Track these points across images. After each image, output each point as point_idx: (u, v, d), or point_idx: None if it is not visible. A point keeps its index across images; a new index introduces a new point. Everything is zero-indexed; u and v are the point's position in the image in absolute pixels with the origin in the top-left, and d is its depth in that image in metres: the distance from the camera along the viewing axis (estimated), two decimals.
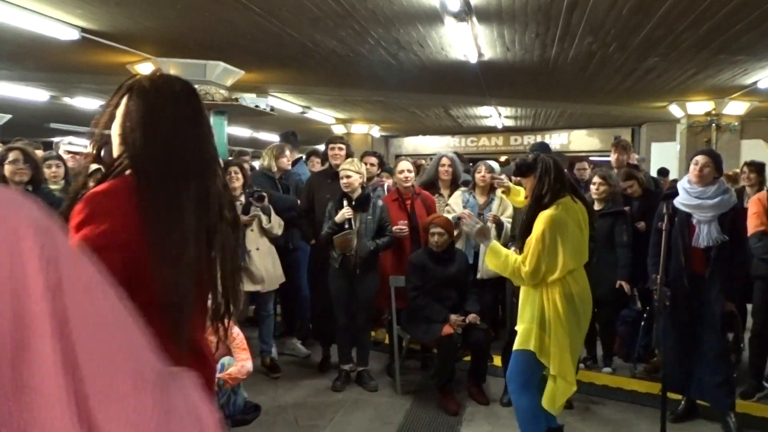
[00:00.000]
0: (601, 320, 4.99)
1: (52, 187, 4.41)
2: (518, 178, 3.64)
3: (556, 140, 15.60)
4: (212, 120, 7.09)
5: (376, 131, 15.88)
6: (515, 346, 3.18)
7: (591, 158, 9.03)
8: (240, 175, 4.70)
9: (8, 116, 12.50)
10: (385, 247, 4.58)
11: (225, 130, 7.42)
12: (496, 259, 3.17)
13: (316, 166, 6.76)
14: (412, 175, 4.95)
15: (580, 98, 10.36)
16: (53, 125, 15.24)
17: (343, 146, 5.13)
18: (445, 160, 5.38)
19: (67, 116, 13.59)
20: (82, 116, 13.36)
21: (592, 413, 4.22)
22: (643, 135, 13.82)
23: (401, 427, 3.97)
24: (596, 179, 4.89)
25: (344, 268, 4.46)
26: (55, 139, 6.24)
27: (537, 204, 3.08)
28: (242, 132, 16.37)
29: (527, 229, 3.10)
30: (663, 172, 10.18)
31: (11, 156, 3.71)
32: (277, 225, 4.73)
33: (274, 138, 19.05)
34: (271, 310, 4.92)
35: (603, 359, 5.07)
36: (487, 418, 4.10)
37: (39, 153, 5.50)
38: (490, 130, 16.13)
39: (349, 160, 4.63)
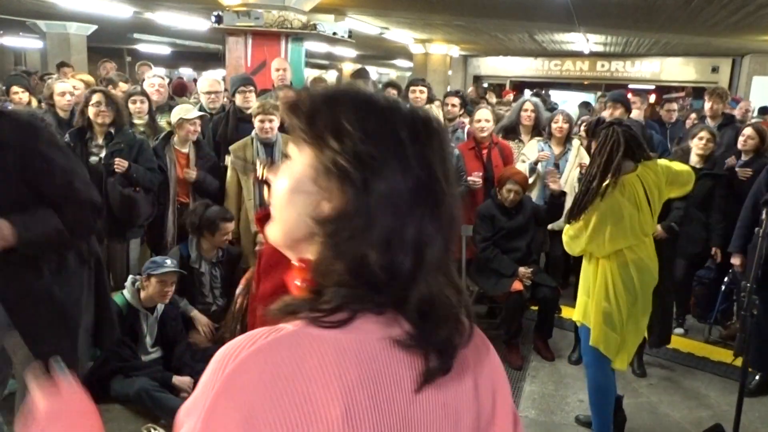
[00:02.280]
0: (678, 278, 4.85)
1: (137, 122, 4.54)
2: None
3: (647, 68, 14.72)
4: (290, 47, 7.02)
5: (455, 51, 15.38)
6: (577, 318, 3.17)
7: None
8: None
9: (94, 26, 12.84)
10: (459, 196, 4.51)
11: (303, 58, 7.34)
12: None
13: None
14: (491, 124, 4.77)
15: (679, 30, 9.61)
16: (136, 35, 15.57)
17: (424, 89, 4.99)
18: (528, 105, 5.16)
19: (149, 29, 13.82)
20: (163, 29, 13.56)
21: (660, 378, 4.16)
22: (745, 67, 12.79)
23: None
24: (704, 134, 4.56)
25: None
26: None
27: (588, 186, 2.91)
28: (319, 47, 16.20)
29: (579, 206, 2.95)
30: (765, 110, 9.43)
31: (95, 98, 3.80)
32: None
33: (349, 53, 18.79)
34: None
35: (676, 318, 4.95)
36: (551, 375, 4.12)
37: (123, 87, 5.64)
38: (576, 55, 15.32)
39: (428, 106, 4.51)
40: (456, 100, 5.45)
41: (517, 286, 4.19)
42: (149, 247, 4.37)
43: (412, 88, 5.08)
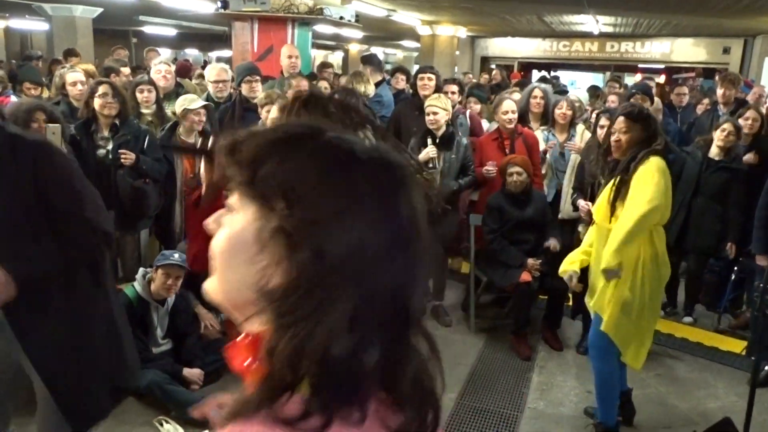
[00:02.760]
0: (691, 268, 4.84)
1: (144, 111, 4.53)
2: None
3: (657, 49, 14.54)
4: (296, 32, 6.97)
5: (463, 32, 15.22)
6: (592, 306, 3.14)
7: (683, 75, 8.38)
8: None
9: (100, 9, 12.77)
10: (467, 187, 4.50)
11: (309, 42, 7.29)
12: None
13: (401, 83, 6.60)
14: (516, 115, 4.70)
15: (690, 11, 9.47)
16: (142, 18, 15.47)
17: (432, 76, 4.93)
18: (537, 92, 5.10)
19: (155, 12, 13.72)
20: (169, 12, 13.46)
21: (668, 369, 4.16)
22: (757, 48, 12.61)
23: (473, 369, 4.06)
24: (728, 126, 4.49)
25: None
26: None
27: (627, 166, 2.89)
28: (325, 29, 16.07)
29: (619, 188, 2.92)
30: None
31: (101, 89, 3.79)
32: None
33: (356, 35, 18.63)
34: None
35: (685, 307, 4.94)
36: (559, 366, 4.13)
37: (125, 72, 5.60)
38: (585, 35, 15.15)
39: (436, 95, 4.46)
40: (454, 88, 5.39)
41: (525, 276, 4.18)
42: (157, 238, 4.38)
43: (420, 75, 5.02)
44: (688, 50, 14.47)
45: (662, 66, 15.36)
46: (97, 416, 2.29)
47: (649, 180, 2.83)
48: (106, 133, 3.85)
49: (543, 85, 5.25)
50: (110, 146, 3.81)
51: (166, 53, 26.10)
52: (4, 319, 2.00)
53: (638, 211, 2.82)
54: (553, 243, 4.26)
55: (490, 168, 4.53)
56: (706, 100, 6.56)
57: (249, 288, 0.65)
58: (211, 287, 0.72)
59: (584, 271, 3.24)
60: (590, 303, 3.17)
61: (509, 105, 4.70)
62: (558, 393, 3.81)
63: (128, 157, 3.72)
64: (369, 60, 5.94)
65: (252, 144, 0.68)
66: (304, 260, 0.62)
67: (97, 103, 3.78)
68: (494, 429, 3.42)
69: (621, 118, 2.97)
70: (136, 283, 3.58)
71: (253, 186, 0.67)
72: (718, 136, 4.47)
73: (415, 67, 21.84)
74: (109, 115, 3.80)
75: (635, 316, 2.97)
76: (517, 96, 4.80)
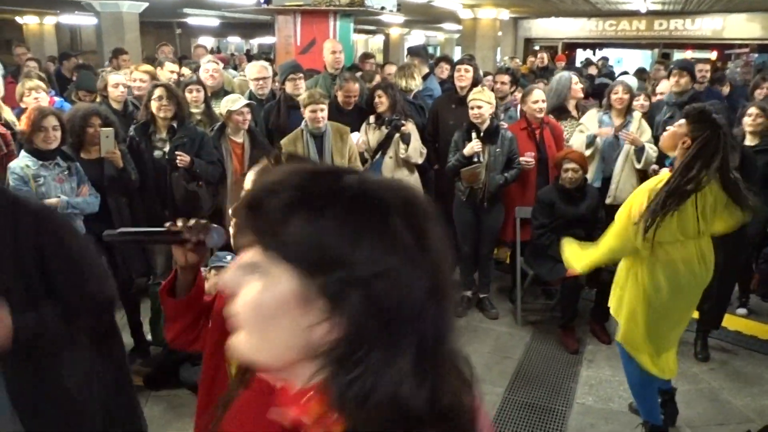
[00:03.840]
0: (742, 258, 4.71)
1: (193, 110, 4.62)
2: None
3: (708, 25, 14.03)
4: (338, 24, 6.99)
5: (505, 14, 14.96)
6: (612, 312, 3.15)
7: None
8: (385, 98, 4.63)
9: (146, 4, 13.01)
10: (512, 180, 4.48)
11: (351, 34, 7.30)
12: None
13: (445, 72, 6.56)
14: (545, 104, 4.67)
15: None
16: (186, 10, 15.72)
17: (470, 68, 4.90)
18: (576, 79, 5.07)
19: (198, 4, 13.91)
20: (212, 4, 13.63)
21: (721, 363, 4.09)
22: None
23: (521, 363, 4.07)
24: (753, 110, 4.38)
25: (471, 200, 4.44)
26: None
27: (679, 182, 2.70)
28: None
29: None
30: None
31: (157, 92, 3.90)
32: (417, 154, 4.65)
33: (397, 19, 18.52)
34: None
35: (739, 298, 4.83)
36: (608, 359, 4.09)
37: (170, 67, 5.67)
38: (632, 13, 14.71)
39: (479, 88, 4.44)
40: (506, 78, 5.37)
41: (572, 271, 4.13)
42: None
43: (458, 66, 5.01)
44: (741, 26, 13.92)
45: (713, 44, 14.83)
46: None
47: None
48: (163, 135, 3.96)
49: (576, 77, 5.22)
50: (167, 148, 3.92)
51: (208, 41, 26.50)
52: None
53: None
54: None
55: (528, 159, 4.50)
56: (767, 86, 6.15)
57: (295, 346, 0.67)
58: (247, 347, 0.71)
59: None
60: (611, 307, 3.17)
61: (539, 95, 4.68)
62: (607, 388, 3.79)
63: (184, 159, 3.83)
64: (416, 52, 5.93)
65: (275, 201, 0.66)
66: (359, 314, 0.63)
67: (153, 106, 3.89)
68: (542, 424, 3.43)
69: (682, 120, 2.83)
70: None
71: (284, 247, 0.66)
72: (746, 122, 4.35)
73: (457, 50, 21.64)
74: (165, 118, 3.91)
75: (645, 329, 2.94)
76: (540, 93, 4.72)
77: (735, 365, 4.08)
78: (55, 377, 1.91)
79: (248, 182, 1.56)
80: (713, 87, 6.33)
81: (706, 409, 3.58)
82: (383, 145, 4.63)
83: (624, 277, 3.03)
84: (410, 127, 4.59)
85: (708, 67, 6.24)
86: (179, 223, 1.38)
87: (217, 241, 1.41)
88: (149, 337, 3.99)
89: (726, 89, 6.68)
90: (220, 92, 5.16)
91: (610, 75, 8.71)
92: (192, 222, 1.38)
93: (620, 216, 2.92)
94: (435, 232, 0.70)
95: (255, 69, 5.13)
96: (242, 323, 0.70)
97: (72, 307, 1.86)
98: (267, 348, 0.69)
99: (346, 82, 4.82)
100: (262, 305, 0.68)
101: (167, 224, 1.38)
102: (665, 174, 2.87)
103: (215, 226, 1.42)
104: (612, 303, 3.15)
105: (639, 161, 4.57)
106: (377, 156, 4.67)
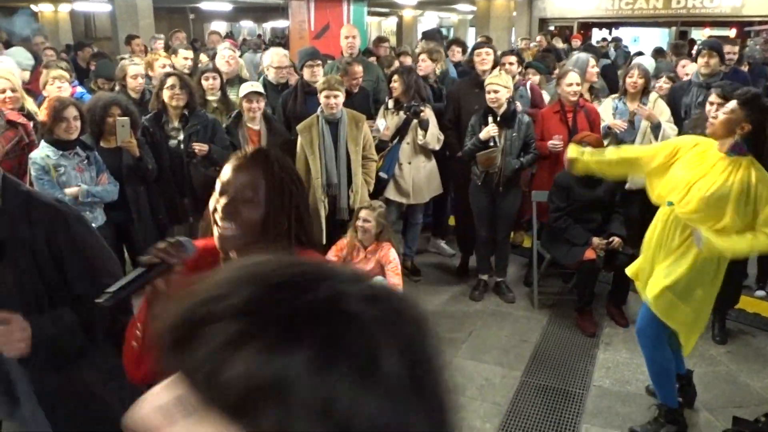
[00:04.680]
0: None
1: (210, 98, 4.66)
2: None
3: (727, 2, 13.77)
4: (352, 8, 6.96)
5: None
6: (651, 305, 3.03)
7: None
8: (399, 83, 4.59)
9: None
10: (528, 165, 4.47)
11: (365, 17, 7.27)
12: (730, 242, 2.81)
13: (456, 56, 6.55)
14: (580, 88, 4.64)
15: None
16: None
17: (490, 51, 4.86)
18: (594, 62, 5.04)
19: None
20: None
21: (739, 345, 4.09)
22: None
23: (538, 346, 4.09)
24: None
25: (487, 185, 4.44)
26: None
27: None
28: None
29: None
30: None
31: (169, 81, 3.94)
32: (434, 140, 4.64)
33: (410, 1, 18.38)
34: (419, 220, 5.07)
35: (757, 280, 4.80)
36: (625, 342, 4.11)
37: (184, 54, 5.70)
38: None
39: (497, 72, 4.42)
40: (513, 59, 5.31)
41: (589, 254, 4.15)
42: None
43: (477, 50, 4.96)
44: (761, 3, 13.61)
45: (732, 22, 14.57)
46: None
47: None
48: (176, 124, 4.01)
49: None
50: (181, 136, 3.96)
51: (221, 26, 26.49)
52: (24, 390, 1.87)
53: None
54: (616, 241, 4.18)
55: (556, 142, 4.48)
56: None
57: None
58: None
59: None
60: (642, 289, 3.12)
61: (574, 77, 4.62)
62: (624, 371, 3.81)
63: (202, 149, 3.87)
64: (431, 36, 5.89)
65: (212, 334, 0.47)
66: None
67: (165, 94, 3.93)
68: (559, 407, 3.46)
69: (733, 101, 2.77)
70: None
71: (219, 393, 0.46)
72: None
73: (471, 31, 21.44)
74: (177, 107, 3.95)
75: (694, 302, 2.93)
76: (574, 75, 4.67)
77: (753, 347, 4.08)
78: (75, 372, 1.90)
79: (224, 176, 1.49)
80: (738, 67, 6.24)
81: (724, 391, 3.59)
82: (401, 131, 4.64)
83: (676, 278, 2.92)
84: (428, 113, 4.58)
85: (736, 48, 6.15)
86: (156, 253, 1.34)
87: (191, 251, 1.38)
88: None
89: (744, 68, 6.57)
90: (235, 79, 5.18)
91: (626, 56, 8.61)
92: (164, 245, 1.35)
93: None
94: (438, 372, 0.53)
95: (276, 58, 5.14)
96: None
97: (89, 303, 1.79)
98: None
99: (350, 65, 4.83)
100: None
101: (143, 260, 1.35)
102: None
103: (183, 239, 1.40)
104: (645, 285, 3.07)
105: (656, 138, 4.50)
106: (395, 141, 4.67)
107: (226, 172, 1.49)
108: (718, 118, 2.79)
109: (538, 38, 10.38)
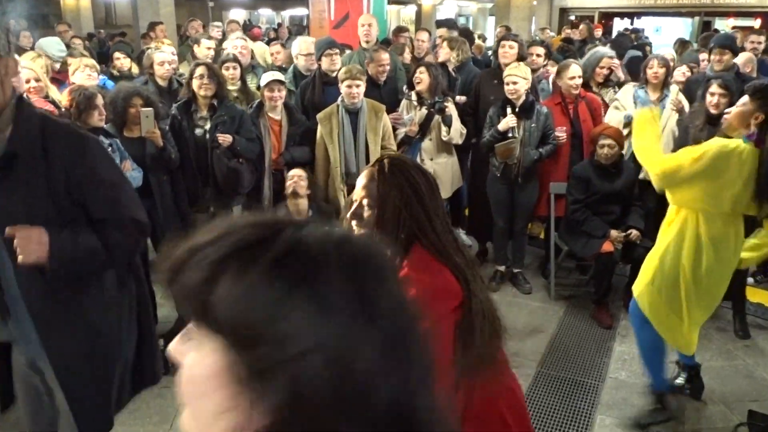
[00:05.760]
0: None
1: (230, 87, 4.70)
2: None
3: None
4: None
5: None
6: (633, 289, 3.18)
7: None
8: (426, 76, 4.54)
9: None
10: (548, 156, 4.47)
11: (385, 7, 7.27)
12: (644, 132, 3.01)
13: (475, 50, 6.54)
14: (581, 80, 4.63)
15: None
16: None
17: (514, 45, 4.84)
18: (606, 61, 5.01)
19: None
20: None
21: (756, 340, 4.08)
22: None
23: (554, 337, 4.11)
24: None
25: (505, 176, 4.45)
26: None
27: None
28: None
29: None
30: None
31: (198, 71, 3.98)
32: (458, 135, 4.60)
33: None
34: None
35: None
36: None
37: (207, 44, 5.77)
38: None
39: (516, 64, 4.42)
40: (541, 50, 5.30)
41: (607, 247, 4.15)
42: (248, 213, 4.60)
43: (502, 42, 4.95)
44: None
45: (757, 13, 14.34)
46: (106, 428, 2.09)
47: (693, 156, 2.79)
48: (204, 113, 4.05)
49: (611, 52, 5.17)
50: (208, 126, 4.01)
51: (240, 14, 26.55)
52: (26, 321, 1.87)
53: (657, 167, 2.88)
54: (634, 233, 4.17)
55: (559, 134, 4.48)
56: None
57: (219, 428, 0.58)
58: (186, 426, 0.62)
59: None
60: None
61: (576, 70, 4.62)
62: (640, 363, 3.80)
63: (225, 139, 3.92)
64: (448, 25, 5.88)
65: (197, 265, 0.58)
66: (280, 404, 0.54)
67: (194, 84, 3.98)
68: (575, 398, 3.48)
69: (744, 96, 2.82)
70: None
71: (206, 318, 0.57)
72: None
73: (490, 20, 21.26)
74: (206, 96, 4.00)
75: (667, 296, 2.99)
76: (577, 68, 4.65)
77: None
78: (74, 300, 1.89)
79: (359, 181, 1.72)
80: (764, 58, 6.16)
81: (740, 386, 3.59)
82: (423, 127, 4.56)
83: (663, 249, 3.02)
84: (451, 107, 4.55)
85: (762, 38, 6.06)
86: None
87: None
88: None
89: None
90: (248, 68, 5.22)
91: (643, 47, 8.49)
92: None
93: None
94: (391, 294, 0.61)
95: (304, 44, 5.17)
96: (182, 399, 0.62)
97: (106, 231, 1.85)
98: (198, 429, 0.60)
99: (376, 52, 4.83)
100: (193, 381, 0.59)
101: None
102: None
103: None
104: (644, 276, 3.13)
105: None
106: (416, 137, 4.61)
107: (360, 177, 1.72)
108: (732, 112, 2.87)
109: (581, 28, 10.28)
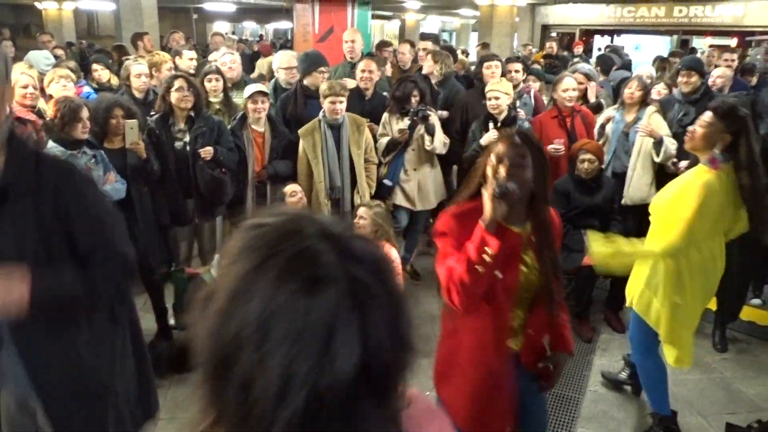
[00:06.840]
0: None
1: (212, 100, 4.69)
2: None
3: (729, 11, 13.85)
4: (356, 12, 7.01)
5: (522, 0, 14.86)
6: (633, 306, 3.06)
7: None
8: (417, 90, 4.57)
9: None
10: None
11: (369, 22, 7.33)
12: (620, 264, 2.93)
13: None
14: (576, 93, 4.70)
15: None
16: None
17: (498, 64, 4.94)
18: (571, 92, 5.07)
19: None
20: None
21: (734, 353, 4.14)
22: None
23: None
24: None
25: None
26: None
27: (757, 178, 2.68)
28: None
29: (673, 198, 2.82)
30: None
31: (177, 84, 3.96)
32: (441, 144, 4.62)
33: (414, 5, 18.50)
34: (420, 230, 5.08)
35: (753, 288, 4.83)
36: (621, 348, 4.14)
37: (188, 55, 5.76)
38: (651, 0, 14.56)
39: (498, 80, 4.48)
40: (518, 66, 5.37)
41: (588, 260, 4.18)
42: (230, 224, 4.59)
43: (486, 64, 5.02)
44: (762, 13, 13.70)
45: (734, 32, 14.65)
46: None
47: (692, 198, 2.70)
48: (182, 126, 4.04)
49: (587, 67, 5.21)
50: (187, 138, 4.00)
51: (224, 26, 26.56)
52: (14, 359, 1.81)
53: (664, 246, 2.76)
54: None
55: (557, 146, 4.52)
56: None
57: None
58: None
59: None
60: (632, 301, 3.10)
61: (569, 83, 4.67)
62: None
63: (207, 153, 3.91)
64: (431, 38, 5.94)
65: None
66: None
67: (174, 96, 3.96)
68: (556, 411, 3.50)
69: (708, 113, 2.78)
70: (212, 268, 3.80)
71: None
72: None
73: (473, 36, 21.49)
74: (185, 108, 3.98)
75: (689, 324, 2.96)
76: (571, 81, 4.70)
77: (748, 355, 4.12)
78: (68, 343, 1.85)
79: (498, 150, 1.95)
80: (742, 77, 6.28)
81: (718, 398, 3.63)
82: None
83: (650, 273, 2.94)
84: (434, 118, 4.57)
85: (735, 56, 6.16)
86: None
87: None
88: (172, 321, 4.09)
89: (754, 80, 6.56)
90: (240, 82, 5.22)
91: (629, 65, 8.59)
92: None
93: (663, 218, 2.84)
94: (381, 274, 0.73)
95: (285, 59, 5.16)
96: None
97: (94, 266, 1.80)
98: None
99: (363, 61, 4.87)
100: None
101: None
102: (702, 168, 2.78)
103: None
104: (633, 299, 3.07)
105: (658, 155, 4.42)
106: (399, 148, 4.63)
107: (499, 146, 1.92)
108: (697, 132, 2.80)
109: (548, 44, 10.42)
